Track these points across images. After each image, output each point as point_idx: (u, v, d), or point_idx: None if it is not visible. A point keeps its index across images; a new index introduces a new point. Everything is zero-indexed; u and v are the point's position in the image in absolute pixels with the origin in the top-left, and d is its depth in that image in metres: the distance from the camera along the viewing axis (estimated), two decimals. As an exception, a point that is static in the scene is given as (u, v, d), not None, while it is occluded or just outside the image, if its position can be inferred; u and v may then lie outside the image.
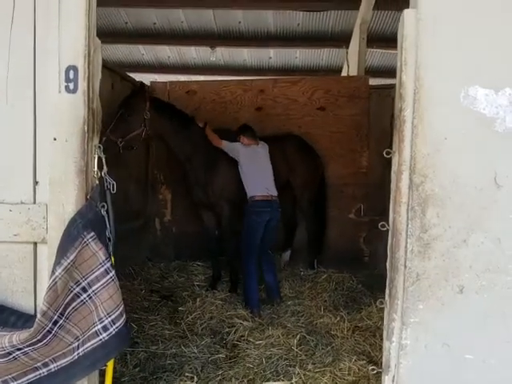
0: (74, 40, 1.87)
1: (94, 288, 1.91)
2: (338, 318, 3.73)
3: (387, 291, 1.96)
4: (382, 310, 3.94)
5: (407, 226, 1.83)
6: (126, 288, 4.67)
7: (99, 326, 1.91)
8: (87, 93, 1.89)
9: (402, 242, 1.85)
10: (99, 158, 1.96)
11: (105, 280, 1.91)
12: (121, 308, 1.95)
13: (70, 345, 1.96)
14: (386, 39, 8.76)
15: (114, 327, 1.92)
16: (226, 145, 4.53)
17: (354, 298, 4.41)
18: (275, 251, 5.70)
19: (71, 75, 1.88)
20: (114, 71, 4.77)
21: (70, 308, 1.93)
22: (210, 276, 5.11)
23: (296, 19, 8.25)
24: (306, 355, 3.23)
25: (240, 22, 8.59)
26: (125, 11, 8.34)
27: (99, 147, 1.96)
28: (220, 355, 3.32)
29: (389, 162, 5.40)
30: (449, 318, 1.83)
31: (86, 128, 1.89)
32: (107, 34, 9.20)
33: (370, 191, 5.71)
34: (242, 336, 3.60)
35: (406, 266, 1.85)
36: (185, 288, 4.90)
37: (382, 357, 3.28)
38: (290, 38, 8.99)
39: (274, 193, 4.43)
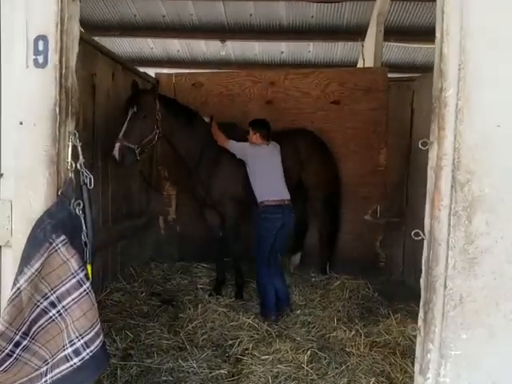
0: (44, 4, 1.54)
1: (64, 303, 1.59)
2: (354, 332, 3.36)
3: (421, 315, 1.60)
4: (402, 323, 3.61)
5: (448, 235, 1.48)
6: (125, 290, 4.40)
7: (69, 350, 1.59)
8: (59, 68, 1.57)
9: (442, 255, 1.49)
10: (74, 147, 1.63)
11: (77, 294, 1.59)
12: (96, 327, 1.62)
13: (36, 369, 1.64)
14: (404, 32, 8.37)
15: (88, 351, 1.60)
16: (232, 145, 4.19)
17: (370, 309, 4.03)
18: (285, 254, 5.39)
19: (40, 46, 1.56)
20: (115, 60, 4.44)
21: (37, 326, 1.61)
22: (214, 279, 4.79)
23: (310, 11, 7.89)
24: (317, 375, 2.88)
25: (251, 15, 8.27)
26: (133, 3, 8.07)
27: (74, 133, 1.62)
28: (221, 371, 2.99)
29: (408, 160, 5.05)
30: (500, 351, 1.47)
31: (57, 110, 1.57)
32: (115, 26, 8.96)
33: (388, 191, 5.33)
34: (246, 349, 3.26)
35: (446, 286, 1.49)
36: (187, 292, 4.60)
37: (403, 379, 2.93)
38: (303, 31, 8.63)
39: (287, 196, 4.05)
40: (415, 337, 3.35)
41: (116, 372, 2.83)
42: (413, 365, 3.04)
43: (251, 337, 3.44)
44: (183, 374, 2.93)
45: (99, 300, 4.11)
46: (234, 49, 9.75)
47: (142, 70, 5.89)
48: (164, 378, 2.86)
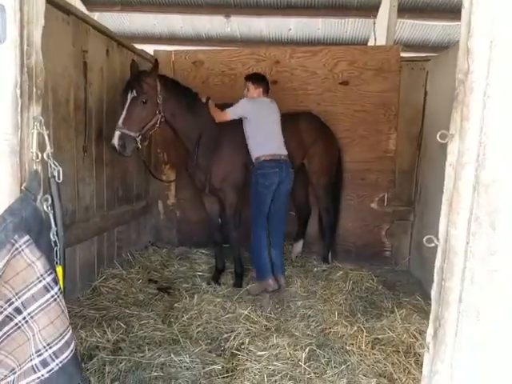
0: (-1, -34, 1.32)
1: (29, 310, 1.41)
2: (355, 328, 3.19)
3: (430, 331, 1.41)
4: (407, 318, 3.43)
5: (467, 243, 1.27)
6: (121, 277, 4.27)
7: (37, 361, 1.43)
8: (20, 43, 1.36)
9: (458, 265, 1.29)
10: (40, 135, 1.43)
11: (44, 300, 1.41)
12: (66, 336, 1.45)
13: (3, 379, 1.49)
14: (419, 8, 7.96)
15: (57, 361, 1.44)
16: (230, 113, 3.98)
17: (373, 302, 3.85)
18: (286, 241, 5.22)
19: (-3, 17, 1.34)
20: (109, 36, 4.19)
21: (1, 334, 1.45)
22: (213, 266, 4.64)
23: (320, -15, 7.52)
24: (315, 373, 2.72)
25: (258, -12, 7.91)
26: (134, -24, 7.73)
27: (40, 120, 1.42)
28: (215, 366, 2.84)
29: (419, 147, 4.81)
30: (522, 377, 1.28)
31: (18, 92, 1.37)
32: (116, 2, 8.63)
33: (396, 179, 5.09)
34: (242, 343, 3.10)
35: (461, 301, 1.30)
36: (185, 279, 4.46)
37: (406, 381, 2.78)
38: (312, 6, 8.26)
39: (284, 153, 3.97)
40: (420, 334, 3.22)
41: (104, 367, 2.69)
42: (417, 365, 2.90)
43: (248, 330, 3.29)
44: (175, 370, 2.79)
45: (94, 286, 3.99)
46: (239, 25, 9.39)
47: (144, 47, 5.63)
48: (155, 374, 2.72)
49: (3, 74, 1.36)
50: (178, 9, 8.70)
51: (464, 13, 1.23)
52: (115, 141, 3.53)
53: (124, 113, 3.59)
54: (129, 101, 3.60)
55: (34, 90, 1.42)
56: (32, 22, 1.39)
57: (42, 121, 1.43)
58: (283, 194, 3.97)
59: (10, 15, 1.34)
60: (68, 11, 3.42)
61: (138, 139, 3.63)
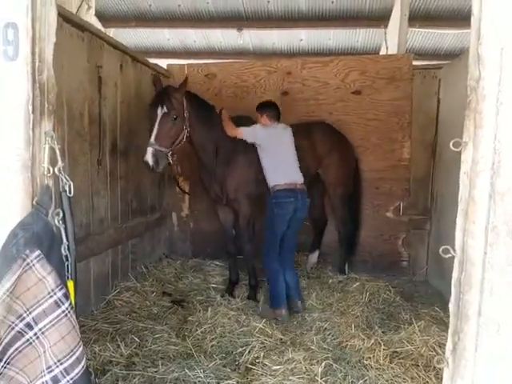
0: (12, -15, 1.35)
1: (40, 326, 1.41)
2: (372, 341, 3.12)
3: (449, 346, 1.36)
4: (426, 331, 3.35)
5: (485, 254, 1.23)
6: (135, 290, 4.27)
7: (47, 377, 1.42)
8: (31, 60, 1.38)
9: (476, 277, 1.25)
10: (52, 150, 1.44)
11: (55, 315, 1.41)
12: (77, 352, 1.44)
13: (14, 396, 1.48)
14: (430, 17, 7.93)
15: (68, 378, 1.43)
16: (243, 132, 3.94)
17: (391, 314, 3.77)
18: (301, 252, 5.17)
19: (10, 36, 1.36)
20: (122, 51, 4.26)
21: (13, 349, 1.44)
22: (227, 278, 4.62)
23: (330, -4, 7.56)
24: (332, 389, 2.67)
25: (269, 2, 8.00)
26: (148, -7, 7.90)
27: (51, 135, 1.43)
28: (230, 381, 2.80)
29: (433, 155, 4.74)
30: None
31: (30, 108, 1.38)
32: (131, 17, 8.82)
33: (411, 187, 5.02)
34: (256, 358, 3.06)
35: (480, 314, 1.25)
36: (199, 291, 4.44)
37: (426, 396, 2.69)
38: (322, 17, 8.31)
39: (300, 180, 3.85)
40: (440, 346, 3.13)
41: (117, 383, 2.67)
42: (437, 379, 2.82)
43: (262, 343, 3.24)
44: (189, 385, 2.76)
45: (108, 300, 4.00)
46: (251, 38, 9.49)
47: (158, 61, 5.72)
48: (169, 389, 2.70)
49: (16, 90, 1.38)
50: (192, 23, 8.84)
51: (473, 20, 1.21)
52: (148, 157, 3.53)
53: (155, 129, 3.57)
54: (159, 117, 3.60)
55: (46, 105, 1.44)
56: (44, 38, 1.42)
57: (54, 136, 1.44)
58: (298, 220, 3.87)
59: (23, 33, 1.36)
60: (83, 28, 3.49)
61: (169, 155, 3.64)
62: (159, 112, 3.60)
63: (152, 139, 3.55)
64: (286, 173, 3.80)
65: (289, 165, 3.87)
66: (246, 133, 3.93)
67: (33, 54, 1.38)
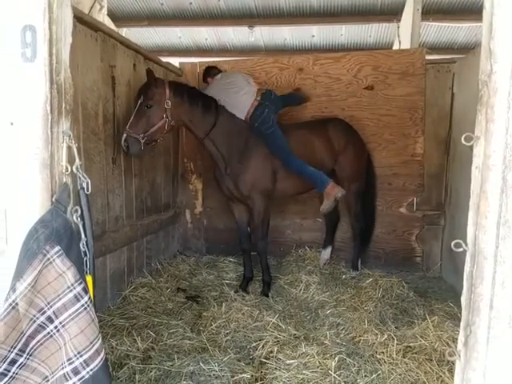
0: (30, -11, 1.39)
1: (60, 319, 1.46)
2: (386, 336, 3.12)
3: (461, 338, 1.37)
4: (440, 326, 3.33)
5: (496, 247, 1.24)
6: (150, 286, 4.33)
7: (68, 369, 1.47)
8: (49, 61, 1.42)
9: (488, 270, 1.26)
10: (69, 149, 1.49)
11: (74, 309, 1.46)
12: (97, 344, 1.49)
13: (37, 386, 1.54)
14: (444, 10, 7.83)
15: (88, 369, 1.47)
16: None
17: (404, 309, 3.77)
18: (314, 248, 5.19)
19: (28, 38, 1.41)
20: (135, 51, 4.31)
21: (34, 342, 1.50)
22: (241, 274, 4.66)
23: (342, -9, 7.52)
24: (345, 383, 2.68)
25: (280, -3, 7.97)
26: (160, -9, 7.95)
27: (69, 134, 1.48)
28: (245, 375, 2.83)
29: (447, 150, 4.71)
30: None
31: (48, 108, 1.43)
32: (143, 17, 8.89)
33: (425, 183, 4.99)
34: (270, 352, 3.09)
35: (492, 307, 1.26)
36: (213, 287, 4.49)
37: (440, 391, 2.69)
38: (334, 13, 8.26)
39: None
40: (454, 341, 3.11)
41: (134, 376, 2.73)
42: (451, 373, 2.81)
43: (276, 338, 3.27)
44: (204, 378, 2.80)
45: (124, 296, 4.07)
46: (262, 35, 9.49)
47: (171, 60, 5.77)
48: (184, 382, 2.73)
49: (34, 91, 1.42)
50: (203, 21, 8.88)
51: (485, 14, 1.21)
52: (122, 142, 3.84)
53: (132, 117, 3.86)
54: (137, 106, 3.88)
55: (64, 105, 1.48)
56: (60, 40, 1.46)
57: (71, 135, 1.48)
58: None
59: (40, 35, 1.41)
60: (96, 28, 3.55)
61: (141, 141, 3.84)
62: (138, 101, 3.89)
63: (127, 126, 3.82)
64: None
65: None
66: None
67: (50, 55, 1.43)
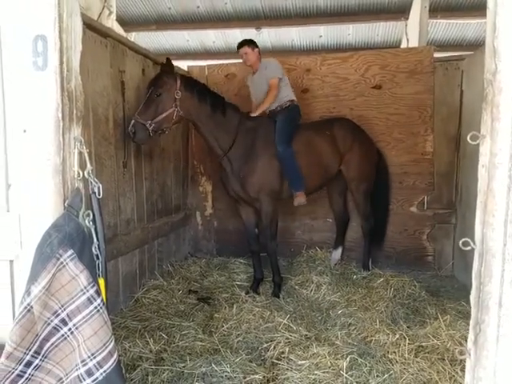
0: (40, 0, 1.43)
1: (74, 321, 1.49)
2: (397, 336, 3.12)
3: (471, 337, 1.37)
4: (452, 325, 3.32)
5: (504, 245, 1.24)
6: (162, 288, 4.37)
7: (82, 370, 1.50)
8: (60, 70, 1.45)
9: (496, 268, 1.26)
10: (81, 154, 1.52)
11: (87, 311, 1.49)
12: (110, 346, 1.52)
13: (52, 388, 1.57)
14: (451, 7, 7.78)
15: (101, 371, 1.50)
16: (276, 77, 4.43)
17: (416, 309, 3.75)
18: (324, 249, 5.19)
19: (40, 47, 1.45)
20: (144, 55, 4.36)
21: (49, 344, 1.53)
22: (251, 275, 4.67)
23: (348, -10, 7.51)
24: (357, 383, 2.68)
25: (287, -1, 7.98)
26: (168, -4, 8.02)
27: (80, 140, 1.51)
28: (256, 376, 2.85)
29: (457, 147, 4.68)
30: None
31: (59, 115, 1.46)
32: (151, 21, 8.98)
33: (436, 181, 4.96)
34: (282, 353, 3.10)
35: (501, 305, 1.26)
36: (225, 289, 4.50)
37: (453, 390, 2.68)
38: (341, 12, 8.25)
39: None
40: (466, 340, 3.10)
41: (147, 377, 2.76)
42: (463, 372, 2.79)
43: (287, 339, 3.27)
44: (216, 379, 2.82)
45: (136, 298, 4.11)
46: (270, 36, 9.51)
47: (179, 63, 5.81)
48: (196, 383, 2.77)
49: (45, 99, 1.46)
50: (210, 24, 8.93)
51: (489, 13, 1.21)
52: (130, 128, 3.81)
53: (141, 105, 3.87)
54: (148, 95, 3.90)
55: (75, 112, 1.52)
56: (70, 48, 1.49)
57: (82, 141, 1.51)
58: None
59: (51, 44, 1.44)
60: (105, 34, 3.60)
61: (149, 128, 3.81)
62: (149, 90, 3.91)
63: (136, 113, 3.82)
64: None
65: None
66: (278, 73, 4.42)
67: (61, 63, 1.46)
